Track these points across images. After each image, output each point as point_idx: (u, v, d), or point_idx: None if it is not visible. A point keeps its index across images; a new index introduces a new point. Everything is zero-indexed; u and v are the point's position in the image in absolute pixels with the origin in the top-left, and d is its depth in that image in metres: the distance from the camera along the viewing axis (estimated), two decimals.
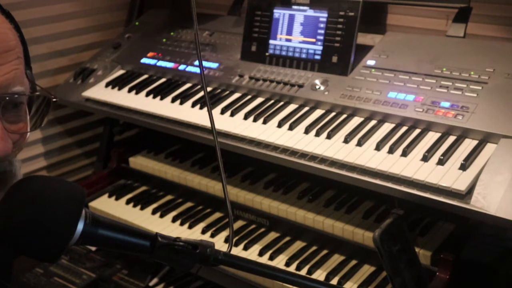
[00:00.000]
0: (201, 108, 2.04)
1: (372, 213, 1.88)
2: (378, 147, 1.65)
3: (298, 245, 1.95)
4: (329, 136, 1.75)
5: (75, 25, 2.58)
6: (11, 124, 0.89)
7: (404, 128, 1.72)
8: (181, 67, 2.29)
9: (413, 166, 1.56)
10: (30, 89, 0.94)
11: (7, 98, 0.86)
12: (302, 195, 2.01)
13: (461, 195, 1.46)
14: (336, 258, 1.87)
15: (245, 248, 1.95)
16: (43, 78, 2.50)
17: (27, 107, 0.93)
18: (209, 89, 2.14)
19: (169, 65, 2.32)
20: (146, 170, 2.37)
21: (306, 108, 1.92)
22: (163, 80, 2.29)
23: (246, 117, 1.93)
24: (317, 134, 1.77)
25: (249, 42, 2.17)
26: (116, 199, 2.33)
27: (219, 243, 1.99)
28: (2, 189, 0.87)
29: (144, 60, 2.40)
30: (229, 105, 2.01)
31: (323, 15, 2.01)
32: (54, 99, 0.96)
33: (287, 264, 1.86)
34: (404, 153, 1.61)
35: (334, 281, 1.77)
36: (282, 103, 1.97)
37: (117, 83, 2.32)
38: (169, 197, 2.30)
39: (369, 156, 1.63)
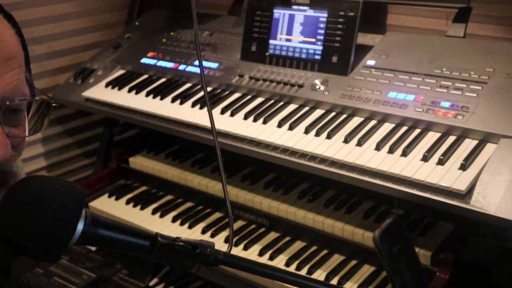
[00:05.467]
0: (201, 108, 2.04)
1: (372, 213, 1.88)
2: (378, 147, 1.65)
3: (298, 245, 1.95)
4: (329, 136, 1.75)
5: (75, 25, 2.58)
6: (10, 129, 0.88)
7: (404, 128, 1.72)
8: (181, 67, 2.29)
9: (413, 166, 1.56)
10: (30, 94, 0.93)
11: (7, 102, 0.86)
12: (302, 195, 2.01)
13: (461, 195, 1.46)
14: (336, 258, 1.87)
15: (245, 248, 1.95)
16: (43, 78, 2.50)
17: (26, 111, 0.92)
18: (209, 89, 2.14)
19: (169, 65, 2.32)
20: (146, 170, 2.37)
21: (306, 108, 1.92)
22: (163, 80, 2.29)
23: (246, 117, 1.93)
24: (317, 134, 1.77)
25: (249, 42, 2.17)
26: (116, 199, 2.33)
27: (219, 243, 1.99)
28: (3, 189, 0.86)
29: (144, 60, 2.40)
30: (229, 105, 2.01)
31: (323, 15, 2.01)
32: (54, 104, 0.95)
33: (287, 264, 1.86)
34: (404, 153, 1.61)
35: (334, 281, 1.77)
36: (282, 103, 1.97)
37: (117, 83, 2.32)
38: (169, 197, 2.30)
39: (369, 156, 1.63)
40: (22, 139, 0.92)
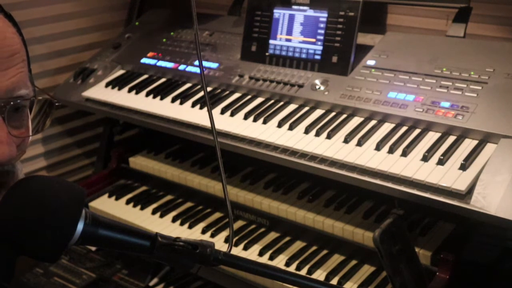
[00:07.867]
0: (201, 108, 2.04)
1: (372, 213, 1.88)
2: (378, 147, 1.65)
3: (298, 245, 1.95)
4: (329, 136, 1.75)
5: (75, 25, 2.58)
6: (14, 129, 0.89)
7: (404, 128, 1.72)
8: (181, 67, 2.29)
9: (413, 166, 1.56)
10: (32, 91, 0.94)
11: (12, 103, 0.87)
12: (302, 195, 2.01)
13: (461, 195, 1.46)
14: (336, 258, 1.87)
15: (245, 248, 1.95)
16: (43, 78, 2.50)
17: (28, 110, 0.93)
18: (209, 89, 2.14)
19: (169, 65, 2.32)
20: (146, 170, 2.37)
21: (306, 108, 1.92)
22: (163, 80, 2.29)
23: (246, 117, 1.93)
24: (317, 134, 1.77)
25: (249, 42, 2.17)
26: (116, 199, 2.33)
27: (219, 243, 1.99)
28: (4, 190, 0.87)
29: (144, 60, 2.40)
30: (229, 105, 2.01)
31: (323, 15, 2.01)
32: (56, 103, 0.96)
33: (287, 264, 1.86)
34: (404, 153, 1.61)
35: (334, 281, 1.77)
36: (282, 103, 1.97)
37: (117, 83, 2.32)
38: (169, 197, 2.30)
39: (369, 156, 1.63)
40: (25, 138, 0.93)
